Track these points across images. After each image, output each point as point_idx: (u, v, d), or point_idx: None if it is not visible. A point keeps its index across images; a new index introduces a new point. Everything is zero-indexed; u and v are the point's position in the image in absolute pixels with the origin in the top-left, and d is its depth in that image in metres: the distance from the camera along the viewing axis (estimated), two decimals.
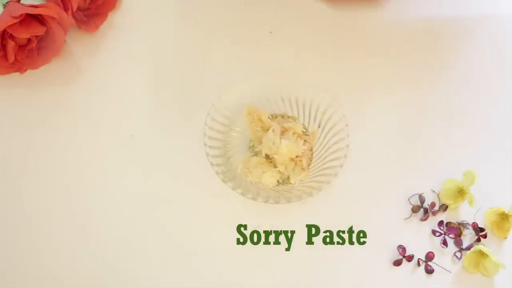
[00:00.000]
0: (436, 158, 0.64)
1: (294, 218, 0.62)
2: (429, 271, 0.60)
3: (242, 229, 0.61)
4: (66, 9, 0.66)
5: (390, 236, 0.61)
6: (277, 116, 0.63)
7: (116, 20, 0.72)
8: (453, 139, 0.65)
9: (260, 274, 0.60)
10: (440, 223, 0.62)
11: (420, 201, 0.62)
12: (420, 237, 0.61)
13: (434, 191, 0.63)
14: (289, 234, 0.61)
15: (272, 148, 0.59)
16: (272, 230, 0.61)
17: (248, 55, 0.69)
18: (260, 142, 0.61)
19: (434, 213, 0.62)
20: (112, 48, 0.70)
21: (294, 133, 0.61)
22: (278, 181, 0.61)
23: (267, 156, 0.60)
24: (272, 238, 0.61)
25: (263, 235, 0.61)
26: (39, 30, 0.65)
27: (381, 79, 0.65)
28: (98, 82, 0.68)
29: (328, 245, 0.61)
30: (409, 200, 0.63)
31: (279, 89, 0.63)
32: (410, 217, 0.62)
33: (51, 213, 0.62)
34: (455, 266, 0.60)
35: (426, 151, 0.64)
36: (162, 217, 0.62)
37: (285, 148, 0.59)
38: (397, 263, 0.60)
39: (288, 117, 0.64)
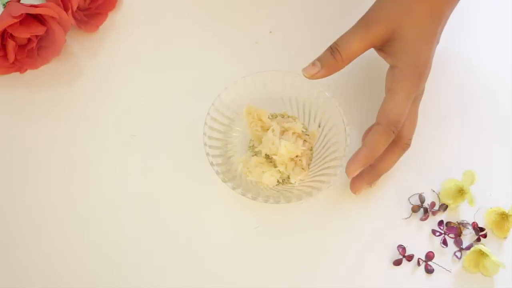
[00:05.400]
0: (436, 158, 0.64)
1: (294, 218, 0.62)
2: (429, 270, 0.60)
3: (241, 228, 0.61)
4: (66, 9, 0.66)
5: (390, 236, 0.61)
6: (277, 116, 0.63)
7: (116, 20, 0.72)
8: (453, 138, 0.65)
9: (259, 274, 0.60)
10: (440, 222, 0.62)
11: (420, 201, 0.62)
12: (420, 237, 0.61)
13: (434, 191, 0.63)
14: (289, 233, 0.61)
15: (271, 148, 0.59)
16: (272, 229, 0.61)
17: (248, 55, 0.69)
18: (260, 142, 0.61)
19: (434, 213, 0.62)
20: (112, 48, 0.70)
21: (294, 133, 0.61)
22: (278, 181, 0.61)
23: (267, 156, 0.60)
24: (272, 237, 0.61)
25: (263, 235, 0.61)
26: (39, 30, 0.65)
27: (381, 77, 0.64)
28: (98, 82, 0.68)
29: (328, 245, 0.61)
30: (409, 199, 0.63)
31: (279, 89, 0.63)
32: (410, 217, 0.62)
33: (52, 213, 0.62)
34: (455, 265, 0.60)
35: (426, 150, 0.64)
36: (161, 217, 0.62)
37: (284, 149, 0.59)
38: (397, 263, 0.60)
39: (288, 117, 0.64)
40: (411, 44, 0.57)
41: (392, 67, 0.59)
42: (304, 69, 0.59)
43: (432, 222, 0.62)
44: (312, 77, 0.58)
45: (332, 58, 0.58)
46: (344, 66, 0.59)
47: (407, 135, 0.60)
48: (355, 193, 0.61)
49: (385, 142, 0.58)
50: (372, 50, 0.60)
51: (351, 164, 0.57)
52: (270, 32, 0.71)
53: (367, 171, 0.60)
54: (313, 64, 0.58)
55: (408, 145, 0.60)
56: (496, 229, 0.61)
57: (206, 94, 0.64)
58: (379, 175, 0.61)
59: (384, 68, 0.60)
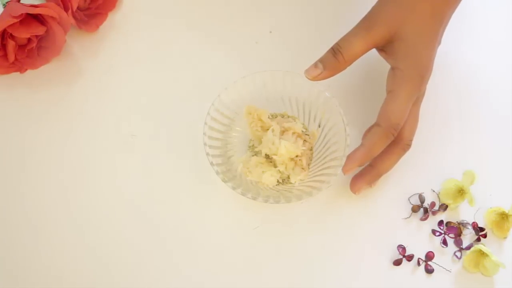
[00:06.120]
0: (436, 158, 0.64)
1: (294, 218, 0.62)
2: (429, 270, 0.60)
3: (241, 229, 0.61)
4: (66, 9, 0.66)
5: (390, 236, 0.61)
6: (277, 116, 0.63)
7: (116, 20, 0.72)
8: (453, 139, 0.65)
9: (259, 274, 0.60)
10: (440, 222, 0.62)
11: (420, 201, 0.62)
12: (420, 237, 0.61)
13: (434, 191, 0.63)
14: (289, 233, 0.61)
15: (271, 148, 0.59)
16: (272, 229, 0.61)
17: (248, 55, 0.69)
18: (260, 142, 0.61)
19: (434, 213, 0.62)
20: (112, 48, 0.70)
21: (294, 133, 0.61)
22: (278, 181, 0.61)
23: (267, 156, 0.60)
24: (272, 237, 0.61)
25: (263, 235, 0.61)
26: (39, 30, 0.65)
27: (381, 77, 0.65)
28: (98, 82, 0.68)
29: (328, 245, 0.61)
30: (409, 199, 0.63)
31: (279, 89, 0.63)
32: (410, 216, 0.62)
33: (52, 213, 0.62)
34: (455, 265, 0.60)
35: (426, 150, 0.64)
36: (161, 217, 0.62)
37: (284, 149, 0.59)
38: (397, 262, 0.60)
39: (288, 117, 0.64)
40: (413, 45, 0.57)
41: (393, 68, 0.59)
42: (306, 71, 0.59)
43: (432, 222, 0.62)
44: (314, 78, 0.58)
45: (334, 59, 0.58)
46: (346, 67, 0.59)
47: (408, 136, 0.60)
48: (355, 193, 0.61)
49: (384, 143, 0.58)
50: (372, 50, 0.60)
51: (347, 162, 0.58)
52: (270, 32, 0.71)
53: (367, 171, 0.60)
54: (315, 65, 0.58)
55: (408, 146, 0.60)
56: (496, 229, 0.61)
57: (206, 94, 0.64)
58: (379, 175, 0.61)
59: (384, 68, 0.60)
